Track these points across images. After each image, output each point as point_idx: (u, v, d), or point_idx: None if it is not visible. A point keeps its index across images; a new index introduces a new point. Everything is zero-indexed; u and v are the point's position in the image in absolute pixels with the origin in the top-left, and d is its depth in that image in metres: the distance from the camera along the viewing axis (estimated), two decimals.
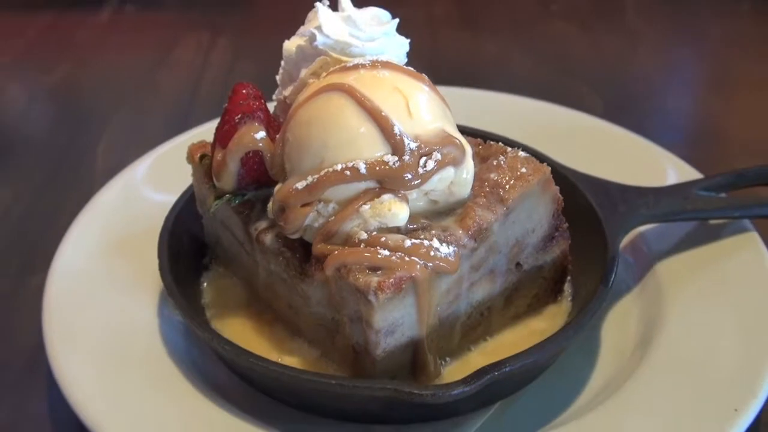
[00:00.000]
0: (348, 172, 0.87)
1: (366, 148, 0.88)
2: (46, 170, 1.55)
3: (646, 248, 1.17)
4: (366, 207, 0.87)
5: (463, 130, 0.99)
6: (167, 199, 1.16)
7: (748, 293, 1.05)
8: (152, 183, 1.30)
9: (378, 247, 0.86)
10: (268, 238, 0.97)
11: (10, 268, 1.28)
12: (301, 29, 1.02)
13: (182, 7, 2.36)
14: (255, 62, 1.75)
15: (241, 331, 1.05)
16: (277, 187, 0.94)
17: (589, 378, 1.01)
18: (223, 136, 0.98)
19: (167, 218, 1.10)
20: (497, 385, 0.88)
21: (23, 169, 1.55)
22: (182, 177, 1.13)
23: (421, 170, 0.88)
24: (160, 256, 1.03)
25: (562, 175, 1.09)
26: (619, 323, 1.08)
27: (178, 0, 2.40)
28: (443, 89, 0.95)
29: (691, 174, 1.25)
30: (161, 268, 1.02)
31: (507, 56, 1.99)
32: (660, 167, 1.30)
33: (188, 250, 1.13)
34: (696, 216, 1.14)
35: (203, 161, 1.05)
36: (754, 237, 1.13)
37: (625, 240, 1.16)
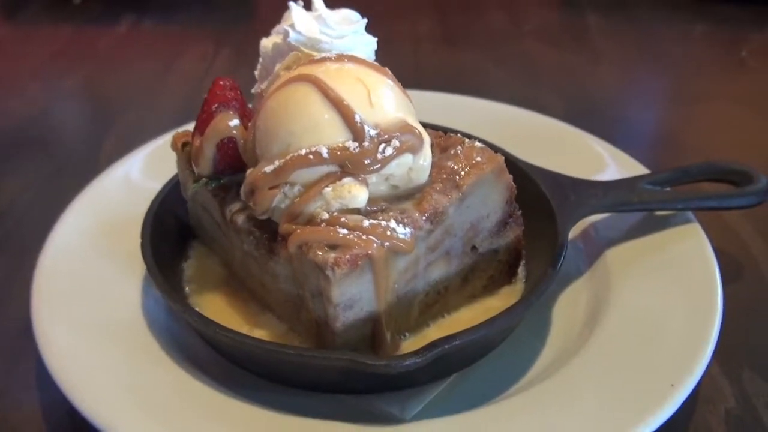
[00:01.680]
0: (311, 157, 0.83)
1: (329, 134, 0.84)
2: (55, 163, 1.51)
3: (597, 237, 1.12)
4: (328, 189, 0.83)
5: (426, 125, 0.94)
6: (160, 186, 1.12)
7: (690, 278, 1.00)
8: (147, 172, 1.25)
9: (337, 227, 0.82)
10: (240, 219, 0.92)
11: (11, 250, 1.24)
12: (277, 27, 0.98)
13: (192, 22, 2.33)
14: (253, 70, 1.71)
15: (217, 307, 1.00)
16: (248, 171, 0.90)
17: (538, 354, 0.96)
18: (201, 124, 0.94)
19: (153, 202, 1.06)
20: (450, 358, 0.83)
21: (34, 162, 1.51)
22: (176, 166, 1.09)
23: (380, 156, 0.84)
24: (142, 236, 0.99)
25: (517, 167, 1.05)
26: (569, 305, 1.03)
27: (188, 16, 2.37)
28: (419, 92, 0.92)
29: (640, 171, 1.20)
30: (143, 246, 0.97)
31: (482, 69, 1.95)
32: (612, 164, 1.25)
33: (173, 232, 1.08)
34: (642, 207, 1.09)
35: (185, 148, 1.00)
36: (696, 227, 1.08)
37: (577, 229, 1.13)
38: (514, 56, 2.04)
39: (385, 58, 0.98)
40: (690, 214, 1.10)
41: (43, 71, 2.00)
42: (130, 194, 1.18)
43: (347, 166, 0.83)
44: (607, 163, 1.25)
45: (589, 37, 2.18)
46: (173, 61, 2.02)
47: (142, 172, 1.25)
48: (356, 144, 0.83)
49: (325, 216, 0.83)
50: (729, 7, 2.28)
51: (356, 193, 0.83)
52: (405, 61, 1.91)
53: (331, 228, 0.81)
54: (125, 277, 1.03)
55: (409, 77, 0.94)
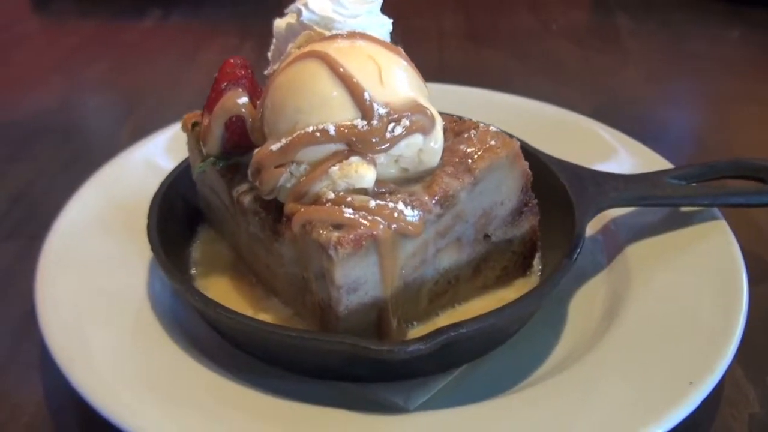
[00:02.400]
0: (318, 134, 0.80)
1: (336, 112, 0.81)
2: (72, 151, 1.51)
3: (617, 231, 1.08)
4: (335, 168, 0.81)
5: (442, 114, 0.91)
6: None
7: (714, 276, 0.96)
8: (161, 156, 1.24)
9: (343, 206, 0.79)
10: (247, 200, 0.90)
11: (23, 233, 1.23)
12: (291, 6, 0.96)
13: (218, 16, 2.34)
14: None
15: (223, 290, 0.99)
16: (255, 150, 0.87)
17: (552, 349, 0.92)
18: (210, 103, 0.92)
19: (162, 183, 1.04)
20: (457, 347, 0.80)
21: (52, 149, 1.51)
22: None
23: (388, 135, 0.81)
24: (149, 216, 0.97)
25: (533, 156, 1.01)
26: (586, 300, 1.00)
27: (215, 11, 2.38)
28: (439, 85, 0.88)
29: (663, 165, 1.16)
30: (149, 226, 0.96)
31: (507, 66, 1.92)
32: (635, 159, 1.21)
33: (182, 214, 1.07)
34: (665, 202, 1.05)
35: (195, 129, 0.99)
36: (722, 224, 1.04)
37: (597, 224, 1.09)
38: (540, 55, 2.01)
39: (407, 52, 0.96)
40: (716, 211, 1.06)
41: (66, 63, 2.01)
42: (143, 178, 1.17)
43: (355, 144, 0.80)
44: (630, 157, 1.21)
45: (618, 38, 2.14)
46: (197, 54, 2.02)
47: (156, 157, 1.25)
48: (365, 122, 0.81)
49: (331, 196, 0.80)
50: (763, 11, 2.22)
51: (363, 173, 0.80)
52: (428, 56, 1.88)
53: (336, 207, 0.79)
54: (132, 259, 1.01)
55: (433, 73, 0.92)
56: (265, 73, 1.02)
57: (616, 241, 1.07)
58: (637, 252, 1.03)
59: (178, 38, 2.20)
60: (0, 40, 2.18)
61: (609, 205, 1.02)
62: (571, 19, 2.29)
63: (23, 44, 2.17)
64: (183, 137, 1.06)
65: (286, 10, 0.97)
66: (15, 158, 1.48)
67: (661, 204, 1.06)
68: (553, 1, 2.47)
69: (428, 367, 0.85)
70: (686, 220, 1.06)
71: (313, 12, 0.92)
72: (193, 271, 1.02)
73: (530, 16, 2.30)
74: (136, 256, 1.01)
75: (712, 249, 1.01)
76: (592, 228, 1.04)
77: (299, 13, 0.93)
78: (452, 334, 0.77)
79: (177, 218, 1.04)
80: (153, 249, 0.92)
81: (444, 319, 0.93)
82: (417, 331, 0.91)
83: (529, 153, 0.95)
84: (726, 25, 2.19)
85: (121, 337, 0.89)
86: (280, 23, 0.98)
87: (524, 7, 2.39)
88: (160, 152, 1.26)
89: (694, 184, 1.07)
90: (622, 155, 1.22)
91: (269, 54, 1.01)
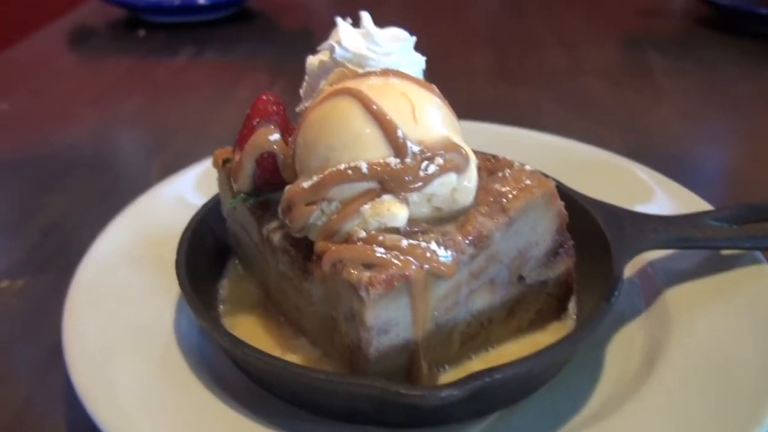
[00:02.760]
0: (350, 172, 0.79)
1: (369, 149, 0.80)
2: (103, 184, 1.52)
3: (655, 275, 1.05)
4: (366, 207, 0.79)
5: (475, 152, 0.90)
6: None
7: (759, 324, 0.92)
8: (193, 191, 1.24)
9: (374, 245, 0.77)
10: (277, 237, 0.89)
11: (53, 266, 1.23)
12: (324, 44, 0.96)
13: (250, 54, 2.37)
14: None
15: (250, 329, 0.97)
16: (286, 188, 0.87)
17: (589, 396, 0.88)
18: (242, 139, 0.92)
19: (192, 219, 1.04)
20: (491, 393, 0.77)
21: (83, 182, 1.52)
22: None
23: (422, 173, 0.80)
24: (178, 252, 0.97)
25: (569, 196, 0.99)
26: (623, 346, 0.95)
27: (247, 48, 2.41)
28: (471, 123, 0.87)
29: (703, 207, 1.12)
30: (177, 262, 0.95)
31: (538, 104, 1.90)
32: (673, 200, 1.18)
33: (211, 251, 1.06)
34: (706, 244, 1.02)
35: (226, 165, 0.98)
36: (765, 269, 1.00)
37: (633, 267, 1.05)
38: (571, 93, 1.99)
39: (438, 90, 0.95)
40: (759, 254, 1.02)
41: (100, 98, 2.04)
42: (174, 213, 1.16)
43: (387, 182, 0.79)
44: (668, 197, 1.18)
45: (652, 76, 2.11)
46: (228, 91, 2.04)
47: (186, 192, 1.24)
48: (398, 160, 0.79)
49: (363, 234, 0.79)
50: None
51: (396, 212, 0.79)
52: (459, 95, 1.85)
53: (368, 246, 0.77)
54: (160, 295, 1.00)
55: (463, 110, 0.90)
56: (297, 110, 1.02)
57: (654, 284, 1.03)
58: (676, 296, 1.00)
59: (210, 75, 2.23)
60: (37, 74, 2.22)
61: (648, 247, 0.99)
62: (603, 57, 2.27)
63: (59, 79, 2.21)
64: (214, 173, 1.05)
65: (318, 48, 0.97)
66: (48, 190, 1.50)
67: (702, 246, 1.03)
68: (585, 38, 2.46)
69: (460, 414, 0.82)
70: (727, 264, 1.03)
71: (346, 49, 0.92)
72: (221, 308, 1.01)
73: (561, 54, 2.29)
74: (165, 292, 1.00)
75: (755, 294, 0.97)
76: (628, 271, 1.00)
77: (332, 50, 0.93)
78: (486, 379, 0.74)
79: (206, 254, 1.03)
80: (181, 285, 0.91)
81: (476, 363, 0.90)
82: (448, 375, 0.89)
83: (564, 193, 0.93)
84: (762, 63, 2.16)
85: (146, 374, 0.87)
86: (312, 60, 0.98)
87: (555, 45, 2.39)
88: (191, 188, 1.26)
89: (736, 227, 1.04)
90: (659, 196, 1.20)
91: (301, 91, 1.01)
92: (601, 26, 2.64)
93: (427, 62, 0.99)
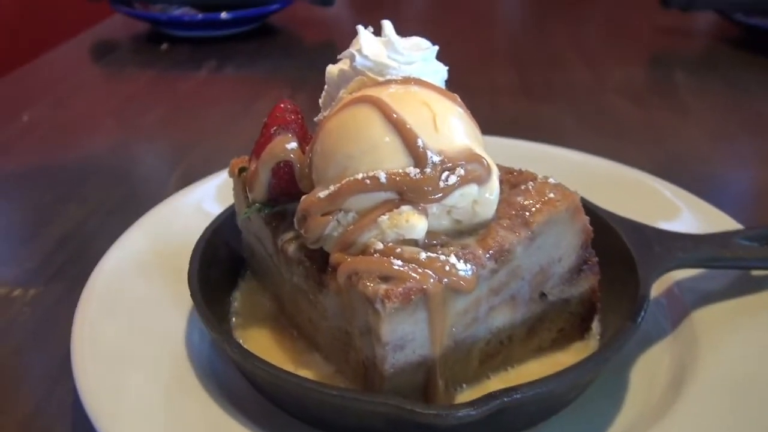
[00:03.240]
0: (368, 181, 0.77)
1: (388, 158, 0.78)
2: (121, 194, 1.51)
3: (682, 295, 1.01)
4: (384, 217, 0.77)
5: (497, 164, 0.87)
6: None
7: None
8: (209, 202, 1.23)
9: (392, 258, 0.75)
10: (291, 248, 0.87)
11: (68, 274, 1.22)
12: (344, 52, 0.94)
13: (272, 69, 2.36)
14: None
15: (262, 342, 0.95)
16: (303, 198, 0.84)
17: (613, 420, 0.85)
18: (258, 148, 0.90)
19: (206, 230, 1.02)
20: (510, 414, 0.74)
21: (103, 192, 1.52)
22: None
23: (442, 184, 0.77)
24: (191, 263, 0.95)
25: (594, 212, 0.96)
26: (648, 368, 0.92)
27: (269, 63, 2.41)
28: (493, 138, 0.85)
29: (732, 226, 1.09)
30: (189, 273, 0.93)
31: (562, 121, 1.88)
32: (701, 218, 1.14)
33: (225, 262, 1.04)
34: (736, 264, 0.98)
35: (242, 174, 0.96)
36: None
37: (660, 286, 1.02)
38: (596, 111, 1.96)
39: None
40: None
41: (121, 110, 2.05)
42: (189, 223, 1.14)
43: (406, 193, 0.77)
44: (695, 216, 1.15)
45: (678, 95, 2.08)
46: (249, 105, 2.03)
47: (203, 203, 1.23)
48: (417, 170, 0.77)
49: (380, 246, 0.76)
50: None
51: (414, 223, 0.76)
52: (481, 112, 1.84)
53: (385, 259, 0.75)
54: (172, 306, 0.98)
55: (485, 127, 0.88)
56: (316, 119, 1.00)
57: (681, 305, 1.00)
58: (704, 318, 0.96)
59: (231, 90, 2.23)
60: (59, 87, 2.23)
61: (676, 266, 0.96)
62: (627, 75, 2.24)
63: (81, 91, 2.22)
64: (230, 184, 1.03)
65: (339, 56, 0.95)
66: (65, 200, 1.49)
67: (731, 266, 0.99)
68: (609, 57, 2.43)
69: None
70: (757, 285, 1.00)
71: (366, 58, 0.90)
72: (233, 321, 0.99)
73: (585, 72, 2.27)
74: (176, 304, 0.98)
75: None
76: (654, 290, 0.97)
77: (353, 58, 0.91)
78: (505, 399, 0.71)
79: (219, 266, 1.01)
80: (193, 297, 0.89)
81: (496, 383, 0.87)
82: (466, 394, 0.85)
83: (588, 208, 0.90)
84: None
85: (154, 387, 0.85)
86: (332, 69, 0.96)
87: (579, 63, 2.36)
88: (208, 198, 1.24)
89: (766, 246, 1.00)
90: (686, 214, 1.16)
91: (320, 100, 0.99)
92: (625, 45, 2.62)
93: (449, 79, 0.97)
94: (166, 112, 2.02)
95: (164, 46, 2.54)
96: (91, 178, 1.59)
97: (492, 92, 2.08)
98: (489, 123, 0.95)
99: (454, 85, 0.97)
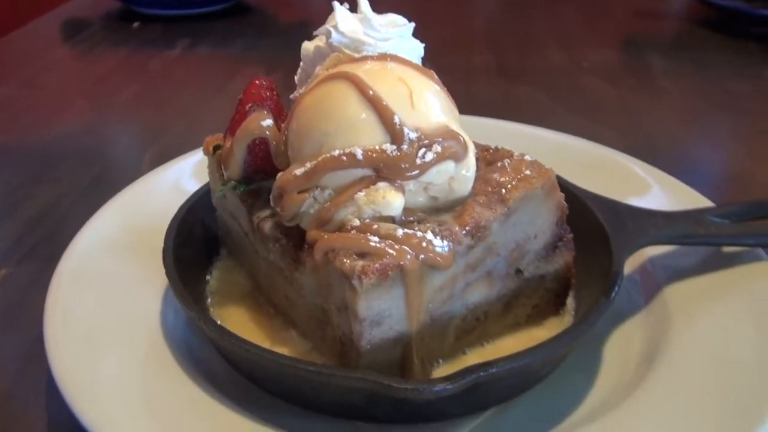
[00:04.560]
0: (345, 158, 0.77)
1: (364, 135, 0.77)
2: (94, 174, 1.49)
3: (654, 271, 1.02)
4: (361, 194, 0.77)
5: (474, 142, 0.88)
6: None
7: (760, 321, 0.90)
8: (182, 181, 1.21)
9: (368, 234, 0.75)
10: (267, 226, 0.86)
11: (39, 256, 1.20)
12: (320, 29, 0.93)
13: (246, 47, 2.34)
14: None
15: (239, 320, 0.95)
16: (279, 174, 0.84)
17: (586, 393, 0.86)
18: (233, 125, 0.89)
19: (180, 208, 1.01)
20: (486, 388, 0.75)
21: (75, 172, 1.49)
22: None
23: (419, 161, 0.77)
24: (166, 242, 0.94)
25: (569, 190, 0.97)
26: (622, 343, 0.93)
27: (243, 42, 2.38)
28: (469, 117, 0.86)
29: (704, 204, 1.10)
30: (164, 253, 0.92)
31: (537, 102, 1.88)
32: (673, 196, 1.15)
33: (200, 240, 1.03)
34: (707, 241, 1.00)
35: (216, 152, 0.95)
36: (766, 266, 0.98)
37: (633, 263, 1.03)
38: (571, 93, 1.96)
39: None
40: (761, 252, 1.01)
41: (93, 89, 2.02)
42: (163, 202, 1.13)
43: (383, 170, 0.77)
44: (667, 194, 1.16)
45: (651, 76, 2.09)
46: (223, 84, 2.01)
47: (177, 181, 1.22)
48: (394, 147, 0.77)
49: (356, 223, 0.76)
50: None
51: (391, 200, 0.76)
52: (457, 92, 1.84)
53: (362, 235, 0.74)
54: (146, 286, 0.97)
55: (461, 108, 0.88)
56: (291, 97, 0.99)
57: (654, 281, 1.01)
58: (676, 293, 0.98)
59: (205, 69, 2.20)
60: (30, 65, 2.19)
61: (648, 242, 0.97)
62: (602, 58, 2.25)
63: (52, 70, 2.18)
64: (205, 162, 1.02)
65: (315, 33, 0.94)
66: (37, 180, 1.47)
67: (703, 243, 1.00)
68: (583, 40, 2.44)
69: (454, 409, 0.79)
70: (728, 261, 1.01)
71: (343, 34, 0.89)
72: (209, 299, 0.98)
73: (561, 54, 2.27)
74: (151, 283, 0.97)
75: (756, 291, 0.95)
76: (627, 267, 0.98)
77: (328, 35, 0.90)
78: (481, 373, 0.72)
79: (195, 244, 1.01)
80: (168, 276, 0.88)
81: (472, 358, 0.88)
82: (443, 369, 0.86)
83: (563, 186, 0.91)
84: (761, 64, 2.14)
85: (130, 367, 0.85)
86: (308, 46, 0.95)
87: (554, 45, 2.36)
88: (182, 177, 1.23)
89: (738, 223, 1.02)
90: (659, 192, 1.17)
91: (296, 78, 0.98)
92: (600, 27, 2.62)
93: (425, 59, 0.96)
94: (139, 91, 1.99)
95: (136, 24, 2.50)
96: (64, 158, 1.56)
97: (468, 72, 2.08)
98: (465, 103, 0.95)
99: (430, 64, 0.97)
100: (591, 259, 0.94)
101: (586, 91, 1.98)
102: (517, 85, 2.01)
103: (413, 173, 0.77)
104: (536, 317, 0.94)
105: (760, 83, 2.02)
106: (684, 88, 2.01)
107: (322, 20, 0.95)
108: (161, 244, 0.94)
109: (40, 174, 1.50)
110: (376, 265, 0.72)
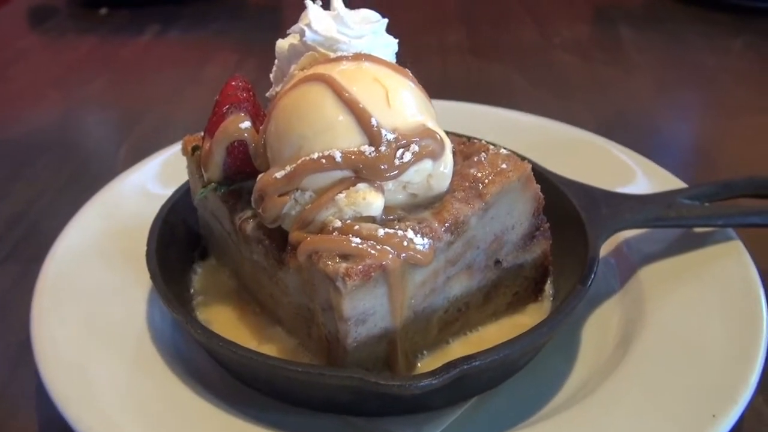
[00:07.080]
0: (324, 161, 0.77)
1: (343, 137, 0.78)
2: (71, 169, 1.48)
3: (629, 254, 1.05)
4: (341, 195, 0.78)
5: (449, 134, 0.88)
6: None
7: (732, 300, 0.93)
8: (161, 179, 1.21)
9: (350, 235, 0.76)
10: (250, 227, 0.87)
11: (21, 256, 1.20)
12: (294, 27, 0.93)
13: (218, 33, 2.31)
14: None
15: (225, 319, 0.96)
16: (258, 177, 0.84)
17: (567, 378, 0.89)
18: (211, 127, 0.89)
19: (161, 208, 1.01)
20: (470, 379, 0.77)
21: (51, 168, 1.48)
22: None
23: (397, 161, 0.78)
24: (149, 243, 0.94)
25: (544, 177, 0.99)
26: (599, 326, 0.96)
27: (215, 27, 2.35)
28: (444, 102, 0.86)
29: (676, 184, 1.13)
30: (148, 253, 0.92)
31: (510, 80, 1.89)
32: (646, 178, 1.18)
33: (183, 240, 1.04)
34: (679, 223, 1.02)
35: (196, 152, 0.96)
36: (738, 245, 1.01)
37: (609, 246, 1.06)
38: (543, 68, 1.98)
39: (411, 69, 0.93)
40: (731, 232, 1.03)
41: (63, 79, 1.99)
42: (143, 201, 1.14)
43: (362, 171, 0.78)
44: (641, 176, 1.18)
45: (622, 49, 2.11)
46: (196, 71, 2.00)
47: (155, 179, 1.21)
48: (372, 148, 0.78)
49: (338, 224, 0.77)
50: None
51: (371, 200, 0.77)
52: (432, 72, 1.85)
53: (344, 237, 0.76)
54: (131, 288, 0.98)
55: (436, 89, 0.89)
56: (267, 95, 0.99)
57: (629, 264, 1.04)
58: (650, 275, 1.01)
59: (177, 54, 2.17)
60: None
61: (623, 227, 0.99)
62: (573, 32, 2.26)
63: (21, 61, 2.14)
64: (183, 159, 1.02)
65: (288, 30, 0.94)
66: (13, 178, 1.45)
67: (675, 225, 1.03)
68: (555, 14, 2.44)
69: (439, 400, 0.82)
70: (701, 242, 1.04)
71: (316, 33, 0.89)
72: (195, 300, 0.99)
73: (532, 30, 2.28)
74: (136, 285, 0.98)
75: (728, 271, 0.98)
76: (603, 250, 1.01)
77: (302, 33, 0.90)
78: (464, 367, 0.74)
79: (178, 245, 1.01)
80: (152, 278, 0.89)
81: (455, 347, 0.90)
82: (427, 360, 0.88)
83: (539, 174, 0.92)
84: (731, 35, 2.16)
85: (118, 369, 0.86)
86: (282, 44, 0.95)
87: (526, 21, 2.36)
88: (160, 174, 1.23)
89: (709, 204, 1.05)
90: (632, 174, 1.20)
91: (271, 75, 0.98)
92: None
93: (400, 40, 0.96)
94: (111, 79, 1.97)
95: (103, 10, 2.45)
96: (39, 154, 1.55)
97: (442, 52, 2.08)
98: (440, 85, 0.96)
99: (404, 45, 0.97)
100: (568, 245, 0.96)
101: (558, 67, 2.00)
102: (490, 63, 2.02)
103: (392, 174, 0.78)
104: (517, 304, 0.96)
105: (729, 55, 2.04)
106: (655, 61, 2.03)
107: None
108: (144, 246, 0.95)
109: (16, 171, 1.49)
110: (359, 267, 0.73)
